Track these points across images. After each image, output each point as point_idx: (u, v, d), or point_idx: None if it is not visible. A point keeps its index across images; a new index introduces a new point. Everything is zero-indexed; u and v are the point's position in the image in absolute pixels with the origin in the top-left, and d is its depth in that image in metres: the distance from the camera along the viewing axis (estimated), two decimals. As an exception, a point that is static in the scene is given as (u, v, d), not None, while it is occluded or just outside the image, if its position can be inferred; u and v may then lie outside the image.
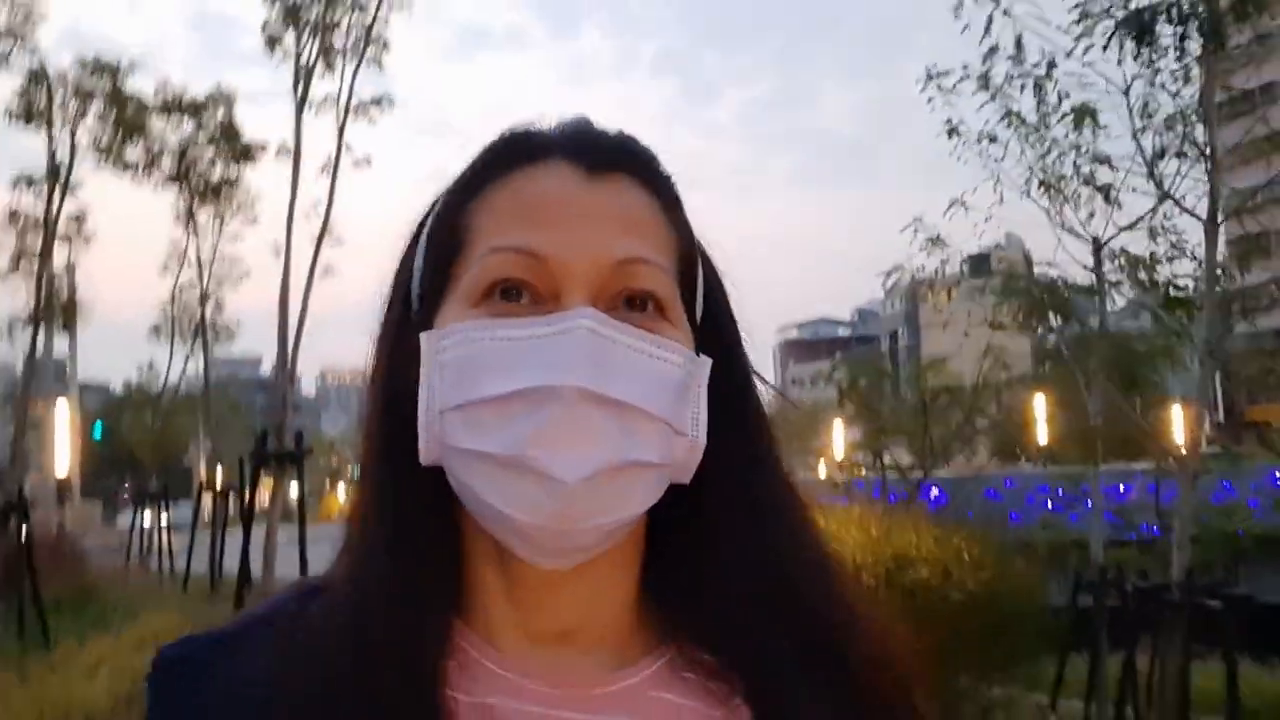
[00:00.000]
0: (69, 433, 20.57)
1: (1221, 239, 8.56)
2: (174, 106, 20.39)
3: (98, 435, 38.49)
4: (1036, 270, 8.85)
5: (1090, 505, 8.83)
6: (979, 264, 12.22)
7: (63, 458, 20.63)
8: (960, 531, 6.70)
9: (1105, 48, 6.68)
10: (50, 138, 17.89)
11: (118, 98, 19.28)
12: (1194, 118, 7.01)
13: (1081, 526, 11.73)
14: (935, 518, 9.18)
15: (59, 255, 19.05)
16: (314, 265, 15.71)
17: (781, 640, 0.73)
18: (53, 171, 17.89)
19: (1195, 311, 7.23)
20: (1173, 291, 7.39)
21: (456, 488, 0.71)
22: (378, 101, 16.76)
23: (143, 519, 23.96)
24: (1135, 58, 6.66)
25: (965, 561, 6.05)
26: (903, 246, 9.28)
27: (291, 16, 15.77)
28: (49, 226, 17.58)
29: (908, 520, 6.99)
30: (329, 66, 15.97)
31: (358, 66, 16.12)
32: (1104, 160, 7.45)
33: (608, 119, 0.77)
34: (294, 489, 11.62)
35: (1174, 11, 6.35)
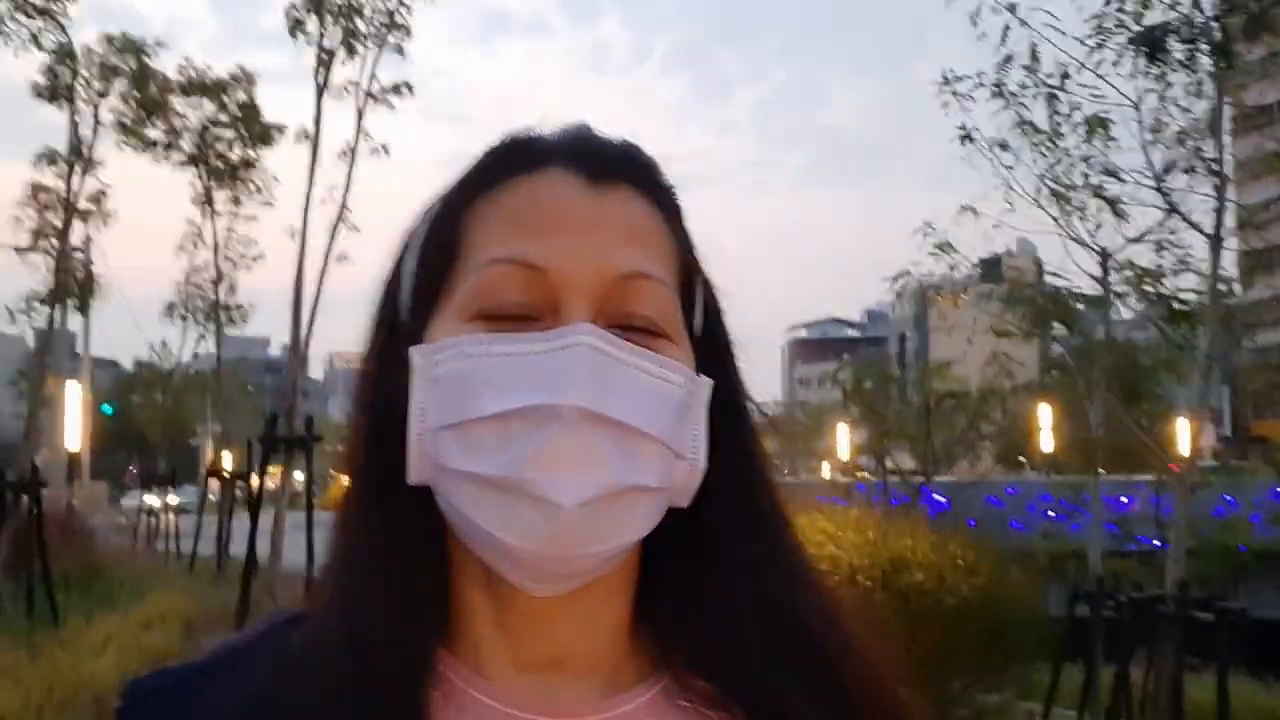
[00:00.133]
0: (80, 410, 20.76)
1: (1232, 253, 8.61)
2: (196, 87, 20.48)
3: (108, 412, 38.75)
4: (1046, 278, 8.91)
5: (1090, 515, 8.89)
6: (990, 268, 12.26)
7: (73, 435, 20.83)
8: (956, 537, 6.77)
9: (1116, 63, 6.75)
10: (73, 115, 17.98)
11: (142, 76, 19.38)
12: (1205, 133, 7.07)
13: (1082, 536, 11.78)
14: (933, 523, 9.24)
15: (77, 233, 19.14)
16: (329, 252, 15.77)
17: (781, 666, 0.71)
18: (74, 149, 17.98)
19: (1198, 326, 7.28)
20: (1176, 306, 7.44)
21: (446, 509, 0.68)
22: (398, 88, 16.78)
23: (150, 500, 24.17)
24: (1146, 74, 6.73)
25: (960, 567, 6.12)
26: (912, 250, 9.33)
27: (315, 1, 15.80)
28: (69, 204, 17.68)
29: (906, 525, 7.05)
30: (351, 52, 16.01)
31: (379, 53, 16.18)
32: (1113, 173, 7.51)
33: (620, 111, 0.78)
34: (301, 474, 11.74)
35: (1185, 30, 6.40)
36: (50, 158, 18.46)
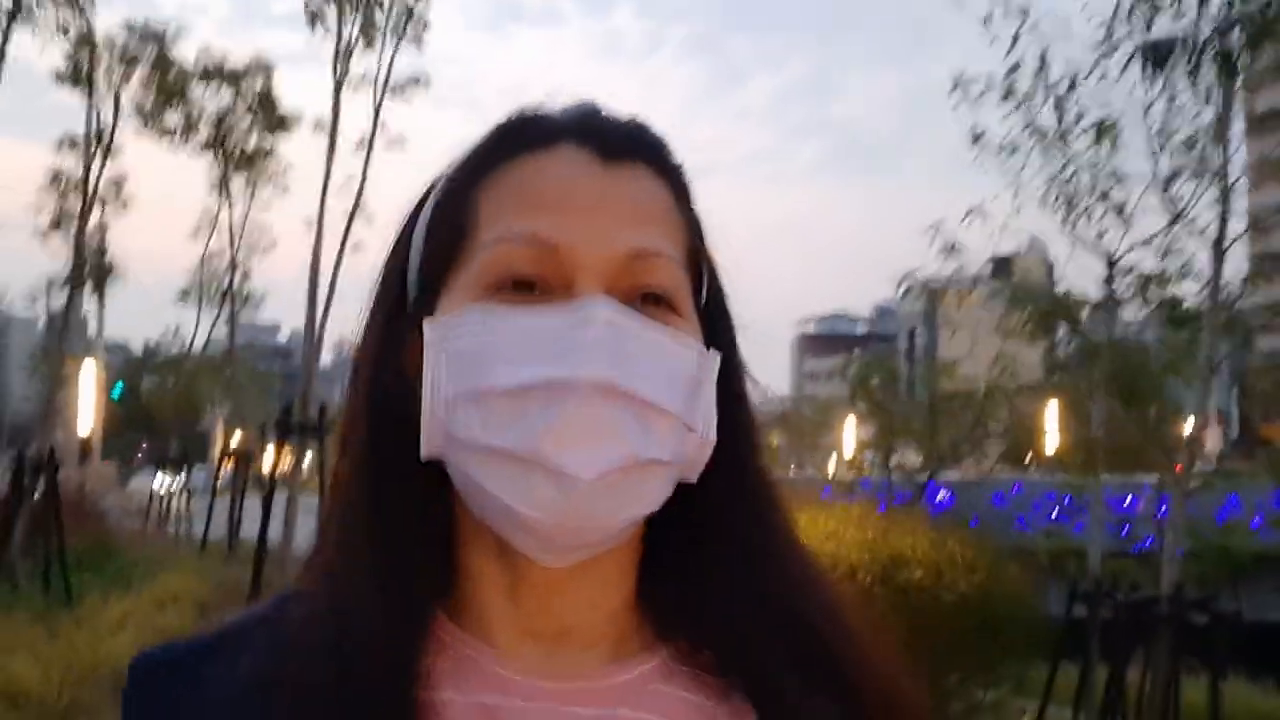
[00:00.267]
0: (94, 392, 20.96)
1: (1238, 257, 8.68)
2: (214, 74, 20.62)
3: (116, 395, 38.89)
4: (1053, 280, 8.99)
5: (1091, 515, 8.98)
6: (1001, 266, 12.32)
7: (86, 417, 21.04)
8: (956, 534, 6.86)
9: (1122, 72, 6.83)
10: (93, 101, 18.11)
11: (162, 63, 19.53)
12: (1211, 139, 7.14)
13: (1084, 536, 11.86)
14: (933, 520, 9.32)
15: (95, 218, 19.30)
16: (344, 241, 15.89)
17: (780, 638, 0.73)
18: (94, 135, 18.12)
19: (1199, 330, 7.36)
20: (1177, 311, 7.52)
21: (459, 481, 0.69)
22: (415, 81, 16.87)
23: (160, 482, 24.36)
24: (1152, 83, 6.81)
25: (958, 564, 6.21)
26: (922, 248, 9.43)
27: (334, -7, 15.86)
28: (88, 189, 17.83)
29: (907, 522, 7.15)
30: (369, 44, 16.10)
31: (397, 45, 16.25)
32: (1119, 178, 7.59)
33: (634, 100, 0.75)
34: (313, 459, 11.90)
35: (1190, 41, 6.48)
36: (71, 142, 18.64)
